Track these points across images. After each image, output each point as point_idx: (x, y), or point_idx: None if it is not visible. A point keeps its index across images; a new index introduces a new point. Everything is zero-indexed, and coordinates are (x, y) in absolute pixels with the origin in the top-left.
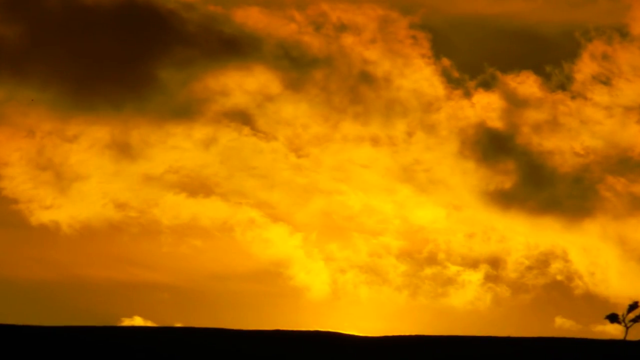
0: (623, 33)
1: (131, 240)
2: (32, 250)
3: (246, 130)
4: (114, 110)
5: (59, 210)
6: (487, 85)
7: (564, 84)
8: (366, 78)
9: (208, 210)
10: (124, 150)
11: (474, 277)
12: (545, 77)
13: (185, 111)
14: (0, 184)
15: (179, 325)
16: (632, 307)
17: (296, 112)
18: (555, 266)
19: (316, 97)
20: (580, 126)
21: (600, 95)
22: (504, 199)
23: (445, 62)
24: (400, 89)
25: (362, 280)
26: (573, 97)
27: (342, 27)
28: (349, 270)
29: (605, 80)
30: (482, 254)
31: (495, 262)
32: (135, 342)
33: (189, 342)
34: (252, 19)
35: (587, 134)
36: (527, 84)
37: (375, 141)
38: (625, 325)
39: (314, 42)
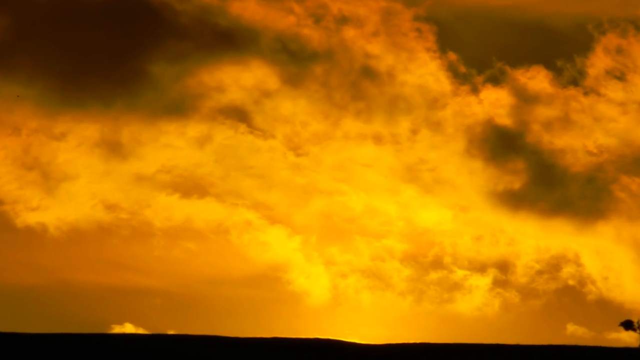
0: (638, 26)
1: (122, 243)
2: (18, 254)
3: (242, 127)
4: (104, 107)
5: (46, 211)
6: (496, 80)
7: (576, 79)
8: (368, 73)
9: (202, 211)
10: (114, 149)
11: (482, 282)
12: (556, 72)
13: (179, 108)
14: None
15: (172, 332)
16: None
17: (295, 109)
18: (567, 270)
19: (316, 93)
20: (593, 123)
21: (614, 90)
22: (513, 200)
23: (452, 56)
24: (404, 85)
25: (364, 285)
26: (586, 93)
27: (343, 20)
28: (351, 275)
29: (619, 75)
30: (490, 257)
31: (504, 266)
32: (126, 350)
33: (183, 350)
34: (248, 10)
35: (601, 132)
36: (537, 79)
37: (377, 139)
38: None
39: (313, 35)
